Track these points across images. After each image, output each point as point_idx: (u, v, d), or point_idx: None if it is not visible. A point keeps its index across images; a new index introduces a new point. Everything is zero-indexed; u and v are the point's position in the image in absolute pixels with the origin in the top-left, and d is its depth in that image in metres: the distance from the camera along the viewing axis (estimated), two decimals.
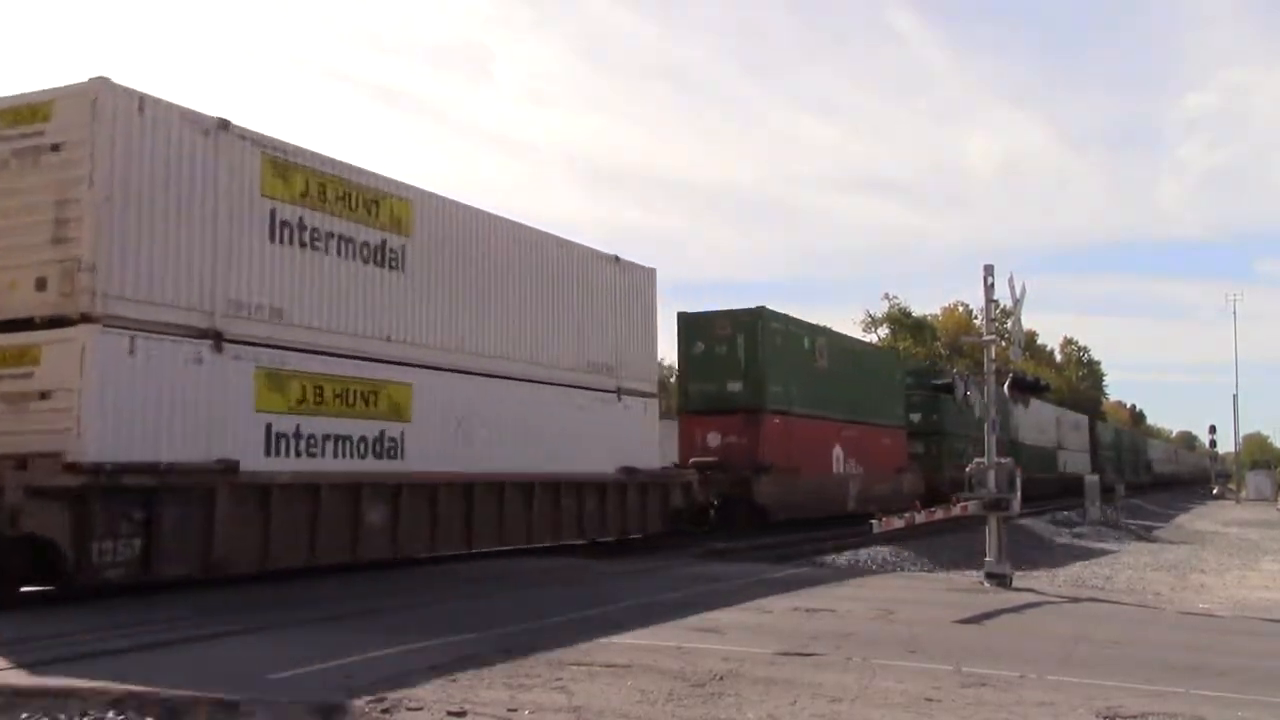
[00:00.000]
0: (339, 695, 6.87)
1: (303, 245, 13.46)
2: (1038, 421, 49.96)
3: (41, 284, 11.05)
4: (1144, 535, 32.69)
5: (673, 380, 35.80)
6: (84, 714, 6.47)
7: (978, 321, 54.74)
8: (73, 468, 10.47)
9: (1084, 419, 63.99)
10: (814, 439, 26.45)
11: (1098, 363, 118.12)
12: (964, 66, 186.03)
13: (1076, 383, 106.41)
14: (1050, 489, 46.02)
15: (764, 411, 24.09)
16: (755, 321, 24.69)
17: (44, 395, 10.88)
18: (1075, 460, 56.15)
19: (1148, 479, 57.78)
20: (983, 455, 15.57)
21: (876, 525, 15.66)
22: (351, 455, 13.88)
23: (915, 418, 35.51)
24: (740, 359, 24.54)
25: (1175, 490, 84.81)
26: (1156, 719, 6.88)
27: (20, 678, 7.28)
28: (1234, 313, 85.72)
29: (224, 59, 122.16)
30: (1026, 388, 48.91)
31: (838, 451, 28.00)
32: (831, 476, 27.54)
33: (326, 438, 13.50)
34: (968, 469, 15.96)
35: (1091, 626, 11.21)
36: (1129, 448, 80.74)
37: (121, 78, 11.62)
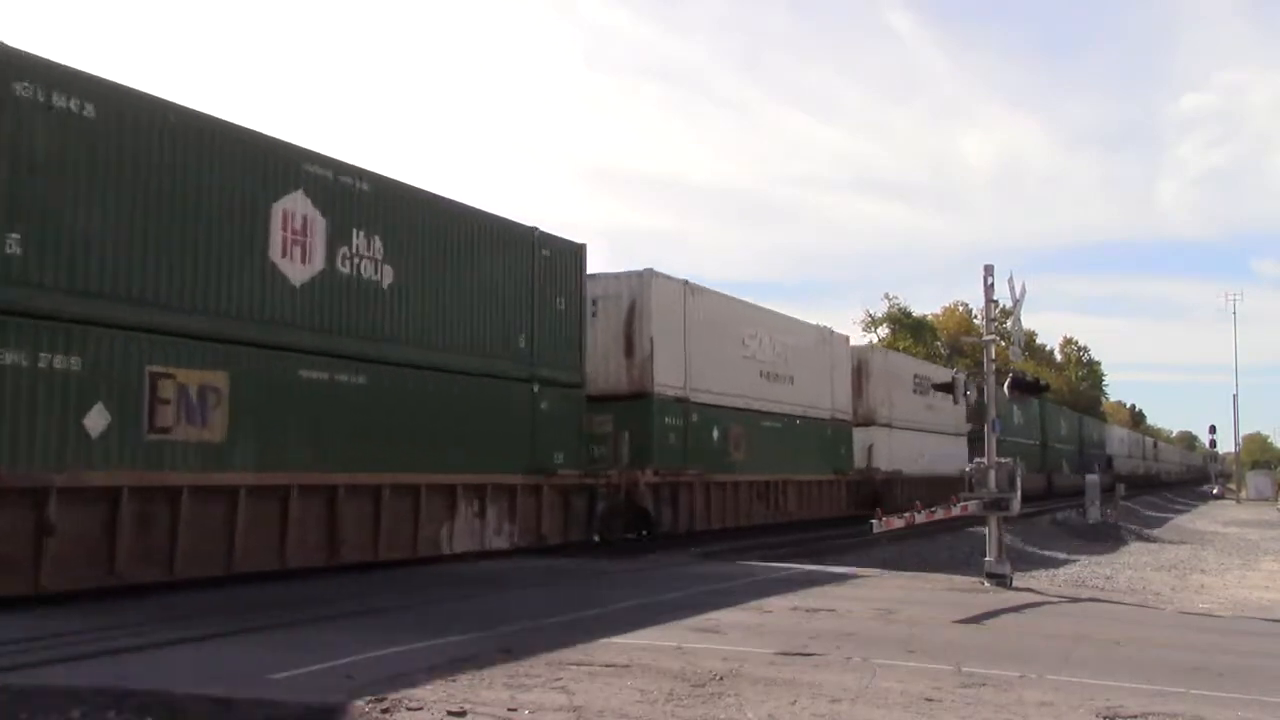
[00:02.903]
0: (339, 695, 6.87)
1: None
2: (836, 379, 29.54)
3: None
4: (1144, 535, 32.70)
5: None
6: (84, 714, 6.47)
7: (978, 321, 54.50)
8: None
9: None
10: None
11: (1098, 363, 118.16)
12: (962, 67, 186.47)
13: (1076, 383, 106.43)
14: (840, 502, 28.01)
15: None
16: None
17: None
18: (940, 450, 35.92)
19: (1105, 481, 42.07)
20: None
21: (877, 525, 15.61)
22: None
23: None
24: None
25: (1164, 491, 76.67)
26: (1156, 719, 6.88)
27: (20, 678, 7.28)
28: (1233, 313, 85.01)
29: (221, 57, 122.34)
30: (1026, 388, 47.48)
31: None
32: None
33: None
34: (967, 469, 15.83)
35: (1091, 626, 11.21)
36: (1065, 436, 59.96)
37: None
